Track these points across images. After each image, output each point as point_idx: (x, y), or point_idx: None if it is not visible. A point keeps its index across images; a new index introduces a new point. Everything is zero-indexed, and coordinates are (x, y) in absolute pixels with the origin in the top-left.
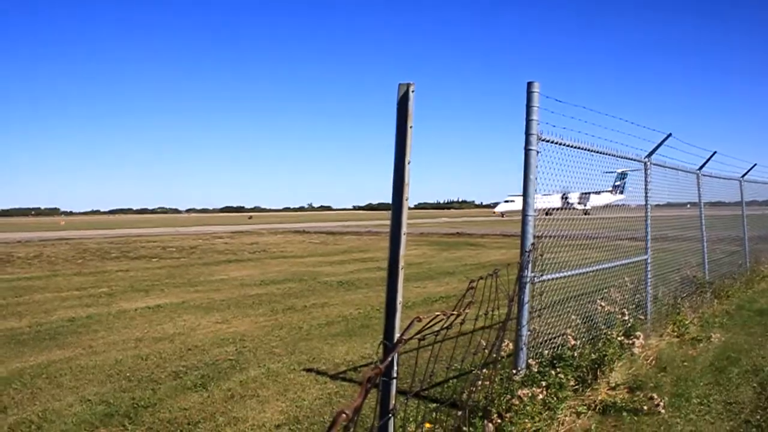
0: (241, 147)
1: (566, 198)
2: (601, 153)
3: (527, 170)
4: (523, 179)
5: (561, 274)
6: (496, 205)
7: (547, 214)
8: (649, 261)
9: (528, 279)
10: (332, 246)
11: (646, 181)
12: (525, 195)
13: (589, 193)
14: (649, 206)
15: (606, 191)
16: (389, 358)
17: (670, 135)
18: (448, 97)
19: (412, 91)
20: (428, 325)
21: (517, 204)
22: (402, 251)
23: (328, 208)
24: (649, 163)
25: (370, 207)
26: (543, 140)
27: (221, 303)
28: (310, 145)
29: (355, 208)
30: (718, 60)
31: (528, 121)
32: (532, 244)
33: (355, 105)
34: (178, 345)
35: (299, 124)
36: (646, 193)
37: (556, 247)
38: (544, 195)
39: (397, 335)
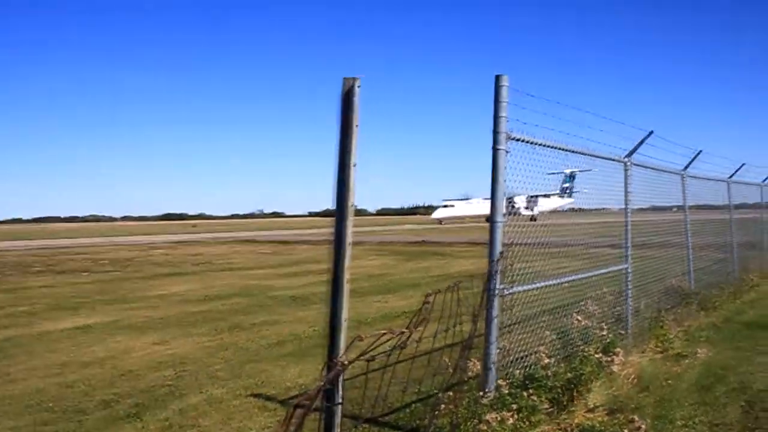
0: (184, 148)
1: (512, 202)
2: (576, 153)
3: (495, 171)
4: (491, 181)
5: (533, 286)
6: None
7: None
8: (629, 270)
9: (496, 291)
10: (285, 257)
11: (626, 182)
12: (493, 198)
13: (537, 196)
14: (629, 210)
15: (555, 194)
16: (324, 384)
17: (651, 132)
18: (414, 94)
19: (358, 86)
20: (374, 345)
21: (458, 209)
22: (347, 263)
23: (281, 215)
24: (629, 163)
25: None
26: (512, 139)
27: (159, 322)
28: (261, 146)
29: (311, 215)
30: (705, 53)
31: (496, 118)
32: (501, 252)
33: (311, 103)
34: (109, 370)
35: (249, 124)
36: (626, 195)
37: (528, 256)
38: (486, 199)
39: (342, 357)
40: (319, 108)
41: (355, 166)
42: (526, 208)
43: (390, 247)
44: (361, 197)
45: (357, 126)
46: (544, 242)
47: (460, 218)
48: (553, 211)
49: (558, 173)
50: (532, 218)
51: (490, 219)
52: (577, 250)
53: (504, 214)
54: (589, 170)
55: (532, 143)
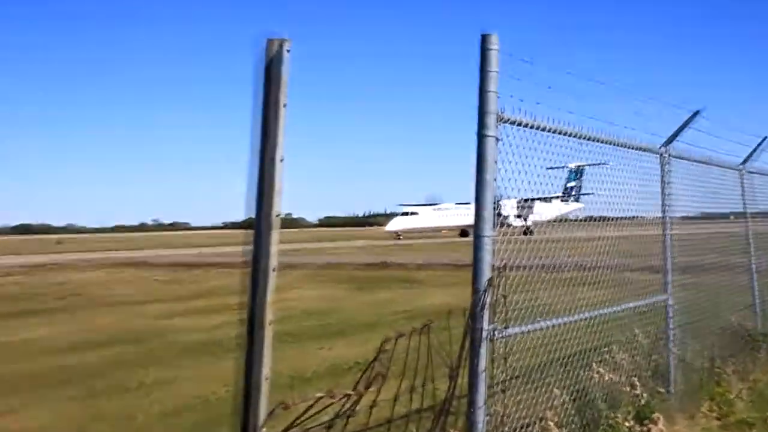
0: (47, 141)
1: (497, 209)
2: (593, 140)
3: (482, 166)
4: (476, 181)
5: (537, 326)
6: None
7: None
8: (671, 303)
9: (485, 334)
10: (189, 285)
11: (663, 181)
12: (479, 204)
13: (533, 199)
14: (668, 219)
15: (555, 197)
16: None
17: (698, 113)
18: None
19: (287, 50)
20: (308, 414)
21: (423, 218)
22: (269, 296)
23: (185, 227)
24: (667, 155)
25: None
26: (505, 121)
27: (5, 382)
28: (155, 136)
29: (226, 226)
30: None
31: (483, 93)
32: (491, 279)
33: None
34: None
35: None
36: (663, 198)
37: (530, 284)
38: (461, 205)
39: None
40: (233, 84)
41: (282, 161)
42: (518, 216)
43: (338, 272)
44: (297, 202)
45: (285, 106)
46: (551, 264)
47: (425, 230)
48: (556, 221)
49: (559, 168)
50: (526, 231)
51: (475, 232)
52: (598, 275)
53: (495, 226)
54: (604, 164)
55: (533, 127)
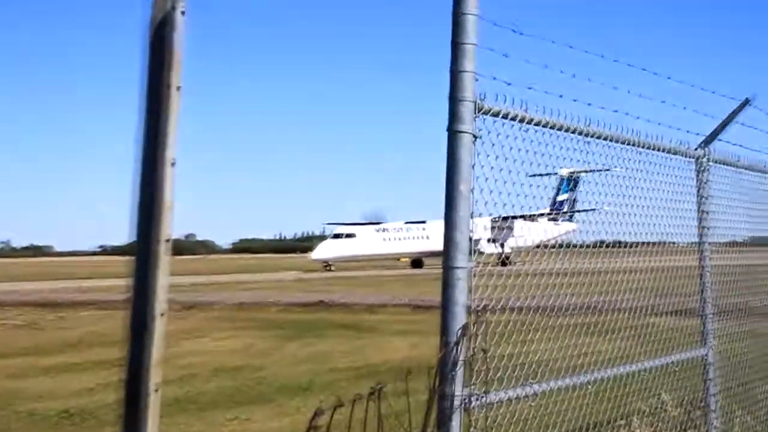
0: None
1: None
2: (607, 140)
3: (453, 174)
4: (446, 192)
5: (529, 390)
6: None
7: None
8: (711, 360)
9: (458, 401)
10: (51, 332)
11: (700, 194)
12: (449, 223)
13: (511, 218)
14: (707, 245)
15: (540, 214)
16: None
17: (747, 102)
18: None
19: (182, 12)
20: None
21: (362, 242)
22: (155, 352)
23: (46, 251)
24: (705, 159)
25: (131, 250)
26: (485, 112)
27: None
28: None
29: (104, 251)
30: None
31: (455, 74)
32: (464, 327)
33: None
34: None
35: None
36: (700, 218)
37: (519, 332)
38: (413, 224)
39: None
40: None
41: (173, 165)
42: (491, 240)
43: (259, 314)
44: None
45: (178, 89)
46: (548, 306)
47: (366, 259)
48: (543, 246)
49: (544, 175)
50: (503, 261)
51: (445, 262)
52: (613, 321)
53: (472, 253)
54: (607, 170)
55: (523, 121)
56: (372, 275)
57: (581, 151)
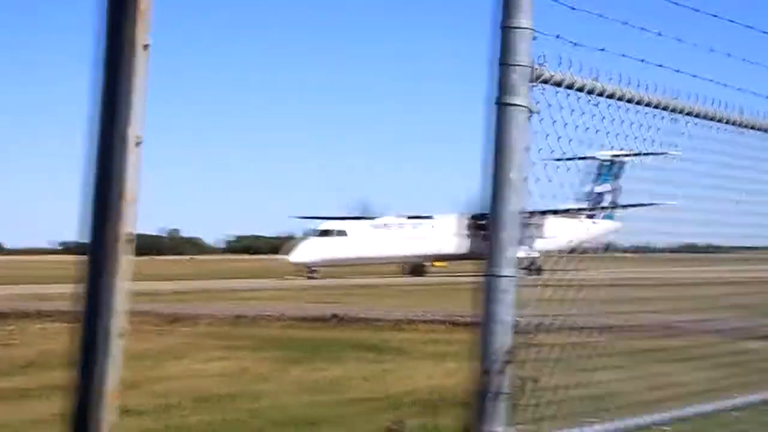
0: None
1: (473, 228)
2: (700, 117)
3: (501, 157)
4: (493, 180)
5: (589, 431)
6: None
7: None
8: None
9: None
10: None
11: None
12: (495, 220)
13: (541, 213)
14: None
15: (574, 209)
16: None
17: None
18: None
19: None
20: None
21: (354, 241)
22: (109, 383)
23: None
24: None
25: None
26: (545, 81)
27: None
28: None
29: (66, 249)
30: None
31: (503, 31)
32: (509, 350)
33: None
34: None
35: None
36: None
37: (577, 359)
38: (414, 219)
39: None
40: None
41: (139, 144)
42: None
43: (258, 330)
44: (189, 215)
45: (147, 47)
46: (613, 326)
47: (359, 262)
48: (578, 251)
49: (580, 159)
50: (530, 267)
51: (487, 270)
52: (697, 344)
53: (520, 260)
54: (664, 153)
55: (593, 93)
56: (414, 286)
57: (666, 131)
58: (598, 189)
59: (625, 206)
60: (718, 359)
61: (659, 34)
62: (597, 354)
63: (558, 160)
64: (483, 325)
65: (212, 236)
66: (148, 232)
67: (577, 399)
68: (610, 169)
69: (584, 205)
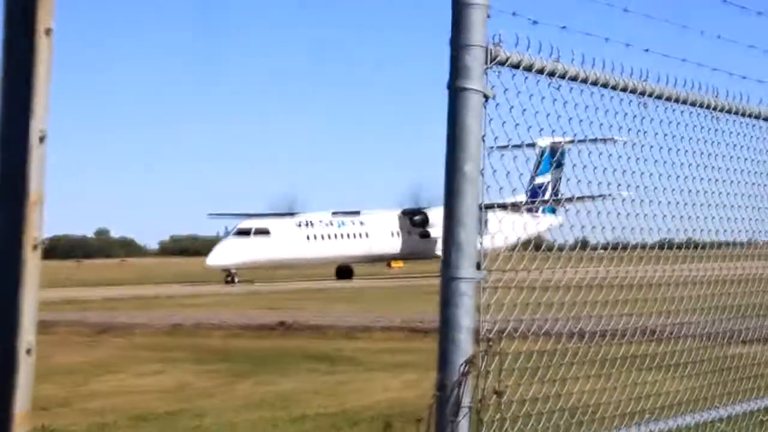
0: None
1: (406, 225)
2: (672, 101)
3: (455, 147)
4: (446, 172)
5: None
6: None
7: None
8: None
9: None
10: None
11: None
12: (451, 215)
13: (486, 207)
14: None
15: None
16: None
17: None
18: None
19: None
20: None
21: (278, 241)
22: (19, 405)
23: None
24: None
25: None
26: (501, 62)
27: None
28: None
29: None
30: None
31: (459, 7)
32: (469, 360)
33: None
34: None
35: None
36: None
37: (546, 367)
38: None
39: None
40: None
41: (43, 139)
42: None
43: (200, 341)
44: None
45: (49, 32)
46: (585, 331)
47: (282, 264)
48: (539, 249)
49: (515, 147)
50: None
51: (444, 272)
52: (680, 349)
53: (482, 258)
54: (613, 140)
55: (554, 75)
56: (375, 286)
57: (634, 116)
58: (540, 180)
59: (556, 198)
60: (703, 366)
61: (625, 10)
62: (569, 362)
63: (497, 148)
64: (442, 333)
65: (146, 237)
66: (73, 233)
67: (548, 413)
68: (551, 157)
69: (516, 200)
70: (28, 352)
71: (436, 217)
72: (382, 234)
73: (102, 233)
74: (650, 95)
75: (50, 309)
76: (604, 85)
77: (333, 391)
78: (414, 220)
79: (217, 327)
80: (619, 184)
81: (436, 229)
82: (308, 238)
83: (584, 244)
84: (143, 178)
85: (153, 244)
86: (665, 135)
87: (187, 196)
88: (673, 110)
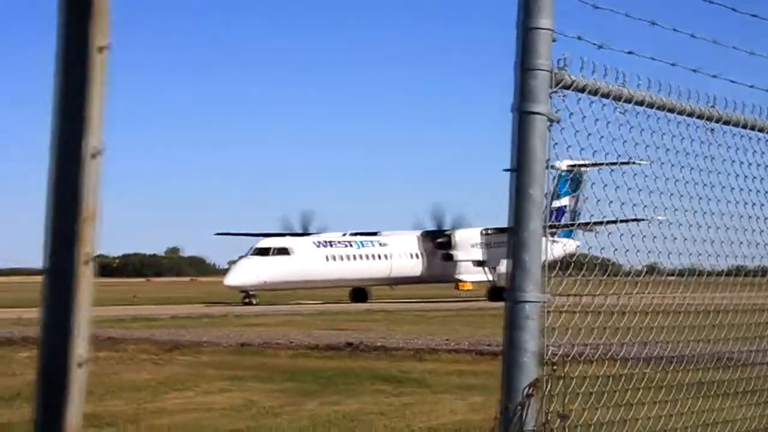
0: None
1: (430, 247)
2: (740, 126)
3: (522, 171)
4: (514, 196)
5: None
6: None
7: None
8: None
9: None
10: None
11: None
12: (517, 239)
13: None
14: None
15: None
16: None
17: None
18: None
19: None
20: None
21: (298, 261)
22: (72, 419)
23: None
24: None
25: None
26: (566, 86)
27: None
28: None
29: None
30: None
31: (525, 31)
32: (533, 383)
33: None
34: None
35: None
36: None
37: (614, 392)
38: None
39: None
40: None
41: (97, 155)
42: (480, 263)
43: (266, 360)
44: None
45: (106, 49)
46: (654, 356)
47: (303, 285)
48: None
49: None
50: (492, 291)
51: (509, 295)
52: (753, 376)
53: (546, 280)
54: (636, 162)
55: (620, 99)
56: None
57: (701, 141)
58: (557, 203)
59: (575, 221)
60: None
61: (691, 36)
62: (636, 387)
63: (508, 170)
64: (506, 356)
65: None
66: (144, 251)
67: None
68: (565, 182)
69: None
70: (80, 365)
71: (461, 240)
72: (403, 255)
73: (173, 252)
74: (717, 121)
75: (119, 326)
76: (671, 110)
77: (399, 413)
78: (438, 242)
79: (284, 347)
80: (676, 209)
81: (461, 252)
82: (327, 258)
83: (651, 269)
84: (216, 198)
85: (223, 264)
86: (732, 162)
87: (258, 217)
88: (741, 136)
